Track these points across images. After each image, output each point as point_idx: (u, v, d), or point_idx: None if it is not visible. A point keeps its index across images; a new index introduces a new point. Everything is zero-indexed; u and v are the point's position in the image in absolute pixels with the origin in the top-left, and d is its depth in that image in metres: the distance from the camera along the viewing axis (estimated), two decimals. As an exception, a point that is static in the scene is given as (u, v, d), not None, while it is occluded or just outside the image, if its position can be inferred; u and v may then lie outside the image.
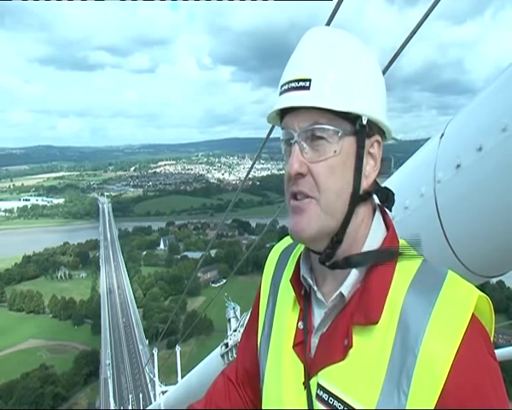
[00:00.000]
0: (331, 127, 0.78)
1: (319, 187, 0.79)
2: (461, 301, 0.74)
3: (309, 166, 0.80)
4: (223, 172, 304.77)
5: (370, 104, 0.81)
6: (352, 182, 0.81)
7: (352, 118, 0.79)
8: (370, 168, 0.84)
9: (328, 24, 1.82)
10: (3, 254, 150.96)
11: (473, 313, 0.73)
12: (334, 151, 0.79)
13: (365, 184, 0.83)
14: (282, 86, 0.83)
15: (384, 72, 1.81)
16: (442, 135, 1.35)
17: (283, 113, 0.84)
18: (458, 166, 1.22)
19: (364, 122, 0.79)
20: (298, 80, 0.79)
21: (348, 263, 0.83)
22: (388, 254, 0.82)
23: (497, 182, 1.14)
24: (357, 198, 0.82)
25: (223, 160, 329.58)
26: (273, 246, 1.14)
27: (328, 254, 0.84)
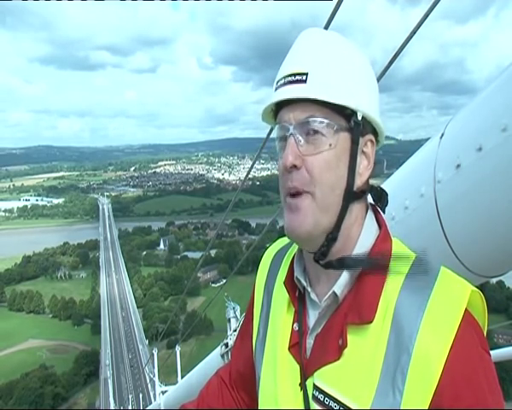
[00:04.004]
0: (327, 120, 0.78)
1: (314, 180, 0.79)
2: (454, 298, 0.74)
3: (304, 160, 0.79)
4: (223, 172, 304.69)
5: (366, 101, 0.81)
6: (346, 177, 0.81)
7: (347, 114, 0.79)
8: (364, 167, 0.84)
9: (328, 23, 1.82)
10: (3, 254, 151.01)
11: (465, 308, 0.74)
12: (330, 145, 0.79)
13: (359, 182, 0.83)
14: (277, 81, 0.82)
15: (384, 72, 1.81)
16: (442, 135, 1.34)
17: (278, 108, 0.84)
18: (458, 166, 1.22)
19: (359, 118, 0.80)
20: (294, 74, 0.79)
21: (342, 265, 0.83)
22: (382, 263, 0.81)
23: (496, 182, 1.13)
24: (351, 195, 0.82)
25: (223, 160, 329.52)
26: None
27: (323, 252, 0.84)
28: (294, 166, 0.79)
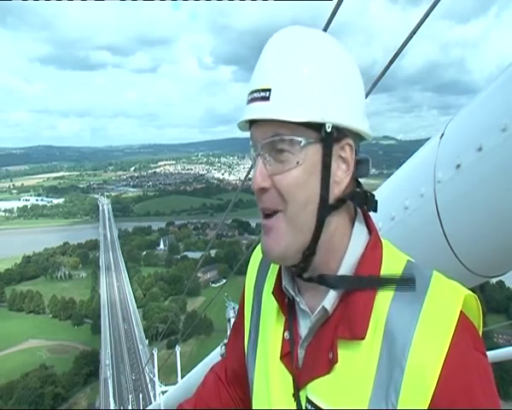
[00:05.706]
0: (292, 137, 0.75)
1: (285, 199, 0.77)
2: (447, 305, 0.72)
3: (273, 179, 0.77)
4: (223, 172, 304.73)
5: (335, 110, 0.76)
6: (319, 191, 0.77)
7: (316, 126, 0.75)
8: (342, 173, 0.79)
9: (328, 23, 1.82)
10: (3, 254, 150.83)
11: (460, 311, 0.72)
12: (297, 162, 0.75)
13: (337, 191, 0.79)
14: (248, 95, 0.80)
15: (385, 71, 1.82)
16: (442, 135, 1.34)
17: (252, 121, 0.80)
18: (458, 166, 1.22)
19: (328, 130, 0.75)
20: (259, 90, 0.77)
21: (322, 282, 0.81)
22: (367, 282, 0.77)
23: (497, 182, 1.14)
24: (327, 208, 0.78)
25: (223, 160, 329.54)
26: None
27: (303, 267, 0.82)
28: (263, 189, 0.78)
